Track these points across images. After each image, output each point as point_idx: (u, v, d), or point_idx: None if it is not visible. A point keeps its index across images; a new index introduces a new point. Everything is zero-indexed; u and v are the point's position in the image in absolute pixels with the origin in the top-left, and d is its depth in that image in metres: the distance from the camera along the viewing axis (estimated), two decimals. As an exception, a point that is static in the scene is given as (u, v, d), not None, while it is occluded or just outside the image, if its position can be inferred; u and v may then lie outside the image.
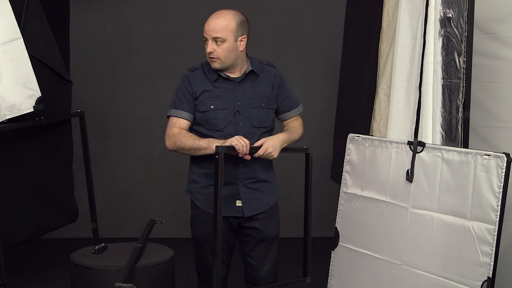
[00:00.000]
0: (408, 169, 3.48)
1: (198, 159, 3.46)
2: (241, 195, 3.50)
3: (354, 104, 4.43)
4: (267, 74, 3.56)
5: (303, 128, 3.66)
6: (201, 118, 3.47)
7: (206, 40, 3.42)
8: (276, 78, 3.56)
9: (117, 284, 3.10)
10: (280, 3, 6.16)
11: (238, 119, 3.46)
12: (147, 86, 6.24)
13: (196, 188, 3.57)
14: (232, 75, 3.49)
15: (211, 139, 3.39)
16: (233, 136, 3.37)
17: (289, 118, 3.64)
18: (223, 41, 3.37)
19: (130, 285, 3.10)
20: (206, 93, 3.48)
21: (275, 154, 3.44)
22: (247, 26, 3.47)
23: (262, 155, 3.39)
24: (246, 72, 3.50)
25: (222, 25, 3.38)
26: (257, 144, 3.42)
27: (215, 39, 3.38)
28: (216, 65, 3.43)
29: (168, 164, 6.17)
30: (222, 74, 3.48)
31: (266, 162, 3.53)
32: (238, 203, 3.50)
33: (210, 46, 3.39)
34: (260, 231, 3.57)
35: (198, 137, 3.44)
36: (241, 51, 3.44)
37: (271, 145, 3.41)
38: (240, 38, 3.42)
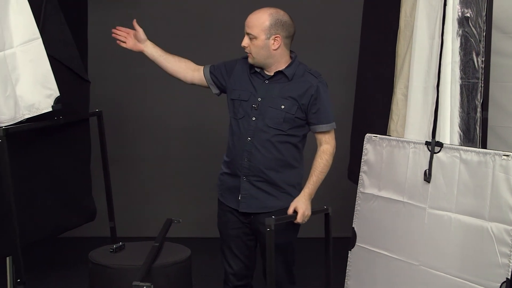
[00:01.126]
0: (425, 170, 3.47)
1: (227, 148, 3.56)
2: (241, 189, 3.52)
3: (371, 104, 4.42)
4: (304, 81, 3.51)
5: (332, 154, 3.57)
6: (230, 103, 3.59)
7: (245, 34, 3.50)
8: (312, 88, 3.50)
9: (135, 283, 3.11)
10: (297, 2, 6.15)
11: (253, 114, 3.49)
12: (164, 86, 6.24)
13: (219, 175, 3.67)
14: (266, 72, 3.55)
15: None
16: (246, 130, 3.49)
17: (317, 132, 3.56)
18: (255, 37, 3.44)
19: (148, 284, 3.11)
20: (238, 82, 3.58)
21: (310, 212, 3.51)
22: (285, 27, 3.47)
23: (302, 222, 3.48)
24: (277, 72, 3.52)
25: (256, 22, 3.44)
26: (289, 211, 3.47)
27: (249, 35, 3.46)
28: (249, 59, 3.51)
29: (185, 163, 6.20)
30: (256, 69, 3.54)
31: (278, 164, 3.51)
32: (239, 197, 3.54)
33: (244, 41, 3.48)
34: (264, 235, 3.46)
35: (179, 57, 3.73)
36: (274, 50, 3.46)
37: (303, 206, 3.46)
38: (273, 37, 3.44)
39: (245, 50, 3.50)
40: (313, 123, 3.54)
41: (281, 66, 3.52)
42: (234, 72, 3.62)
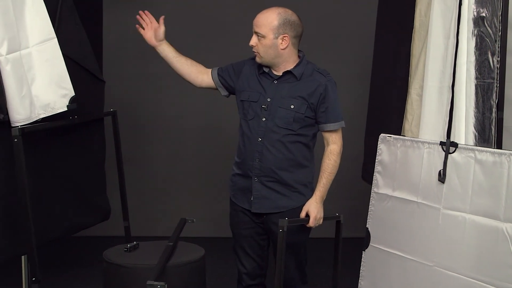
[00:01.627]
0: (440, 170, 3.45)
1: (237, 149, 3.55)
2: (253, 190, 3.53)
3: (385, 104, 4.41)
4: (313, 80, 3.52)
5: (339, 154, 3.58)
6: (239, 105, 3.60)
7: (253, 33, 3.50)
8: (321, 87, 3.50)
9: (149, 282, 3.12)
10: (311, 2, 6.14)
11: (263, 115, 3.50)
12: (178, 85, 6.22)
13: (230, 177, 3.66)
14: (274, 72, 3.55)
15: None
16: (256, 131, 3.50)
17: (325, 131, 3.56)
18: (263, 37, 3.45)
19: (162, 283, 3.12)
20: (247, 84, 3.58)
21: (322, 216, 3.54)
22: (293, 27, 3.48)
23: (314, 226, 3.51)
24: (285, 72, 3.52)
25: (264, 21, 3.44)
26: (301, 215, 3.50)
27: (257, 34, 3.46)
28: (257, 59, 3.52)
29: (199, 163, 6.21)
30: (265, 70, 3.55)
31: (289, 164, 3.51)
32: (252, 197, 3.54)
33: (253, 40, 3.48)
34: (277, 235, 3.50)
35: (186, 57, 3.75)
36: (282, 49, 3.46)
37: (315, 210, 3.49)
38: (281, 36, 3.44)
39: (253, 50, 3.50)
40: (322, 122, 3.54)
41: (290, 66, 3.52)
42: (242, 73, 3.62)
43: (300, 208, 3.53)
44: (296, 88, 3.50)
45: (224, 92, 3.72)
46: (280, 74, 3.53)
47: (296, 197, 3.55)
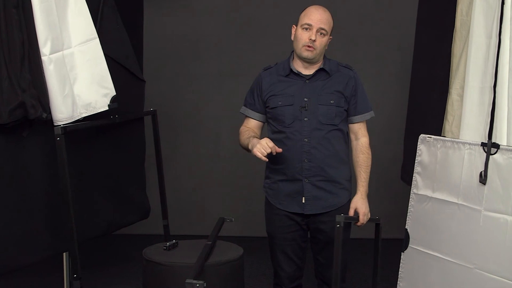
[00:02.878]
0: (481, 171, 3.41)
1: (270, 154, 3.45)
2: (305, 192, 3.52)
3: (425, 104, 4.37)
4: (342, 75, 3.58)
5: (370, 147, 3.63)
6: (271, 114, 3.58)
7: (308, 27, 3.48)
8: (351, 80, 3.58)
9: (188, 280, 3.13)
10: (350, 2, 6.12)
11: (304, 115, 3.50)
12: (216, 85, 6.30)
13: (268, 183, 3.66)
14: (304, 72, 3.54)
15: (251, 141, 3.47)
16: (299, 132, 3.49)
17: (354, 122, 3.61)
18: (326, 34, 3.51)
19: (201, 282, 3.13)
20: (275, 90, 3.57)
21: (369, 212, 3.57)
22: None
23: (365, 222, 3.56)
24: (317, 70, 3.55)
25: (328, 20, 3.52)
26: (350, 213, 3.54)
27: (321, 30, 3.49)
28: (309, 54, 3.50)
29: (237, 162, 6.23)
30: (294, 70, 3.55)
31: (335, 160, 3.54)
32: (303, 199, 3.54)
33: (315, 35, 3.48)
34: (326, 234, 3.57)
35: (250, 137, 3.52)
36: (325, 48, 3.55)
37: (363, 207, 3.54)
38: (330, 36, 3.55)
39: (308, 44, 3.47)
40: (351, 114, 3.59)
41: (320, 64, 3.58)
42: (263, 86, 3.60)
43: (346, 205, 3.58)
44: (330, 84, 3.55)
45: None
46: (312, 72, 3.55)
47: (342, 193, 3.59)
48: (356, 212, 3.55)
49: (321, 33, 3.49)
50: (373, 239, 3.69)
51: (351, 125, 3.62)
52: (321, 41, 3.49)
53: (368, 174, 3.60)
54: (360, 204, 3.55)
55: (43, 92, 3.65)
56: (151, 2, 5.76)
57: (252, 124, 3.66)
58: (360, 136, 3.62)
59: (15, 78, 3.48)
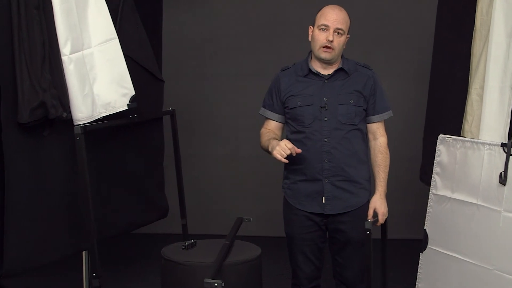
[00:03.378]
0: (501, 172, 3.39)
1: (290, 155, 3.44)
2: (325, 192, 3.52)
3: (444, 104, 4.35)
4: (360, 74, 3.58)
5: (387, 145, 3.62)
6: (290, 114, 3.58)
7: (324, 28, 3.47)
8: (370, 79, 3.58)
9: (206, 280, 3.15)
10: (369, 2, 6.10)
11: (324, 115, 3.50)
12: (235, 85, 6.31)
13: (287, 184, 3.66)
14: (323, 72, 3.54)
15: (271, 143, 3.48)
16: (319, 132, 3.49)
17: (372, 122, 3.60)
18: (343, 34, 3.50)
19: (219, 281, 3.14)
20: (294, 90, 3.57)
21: (387, 211, 3.57)
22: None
23: (383, 221, 3.54)
24: (336, 69, 3.55)
25: (345, 19, 3.51)
26: (369, 213, 3.54)
27: (338, 30, 3.47)
28: (327, 55, 3.50)
29: (256, 162, 6.23)
30: (313, 70, 3.55)
31: (355, 159, 3.54)
32: (323, 200, 3.54)
33: (332, 35, 3.46)
34: (345, 234, 3.58)
35: (270, 138, 3.54)
36: (344, 47, 3.54)
37: (382, 207, 3.55)
38: (347, 35, 3.54)
39: (328, 45, 3.46)
40: (371, 114, 3.59)
41: (338, 63, 3.57)
42: (281, 87, 3.61)
43: (365, 205, 3.58)
44: (349, 83, 3.55)
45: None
46: (331, 72, 3.55)
47: (362, 193, 3.58)
48: (375, 213, 3.54)
49: (338, 33, 3.48)
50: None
51: (369, 125, 3.61)
52: (339, 41, 3.48)
53: (387, 174, 3.59)
54: (379, 204, 3.54)
55: (63, 92, 3.67)
56: (170, 2, 5.78)
57: (272, 126, 3.67)
58: (378, 136, 3.62)
59: (36, 78, 3.51)
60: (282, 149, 3.36)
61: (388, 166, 3.61)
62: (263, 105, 3.70)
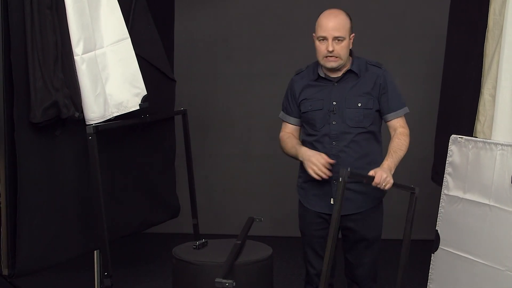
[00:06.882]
0: (513, 173, 3.38)
1: None
2: (333, 193, 3.51)
3: (457, 104, 4.34)
4: (371, 74, 3.54)
5: (409, 137, 3.55)
6: (303, 118, 3.60)
7: (323, 39, 3.44)
8: (379, 78, 3.53)
9: (217, 279, 3.15)
10: (381, 2, 6.09)
11: (332, 119, 3.50)
12: (247, 85, 6.31)
13: (299, 182, 3.68)
14: (332, 75, 3.52)
15: (299, 151, 3.51)
16: (328, 135, 3.48)
17: (389, 120, 3.57)
18: (343, 39, 3.43)
19: (230, 281, 3.14)
20: (306, 94, 3.58)
21: (391, 180, 3.36)
22: (352, 24, 3.52)
23: (379, 183, 3.32)
24: (345, 72, 3.53)
25: (342, 24, 3.43)
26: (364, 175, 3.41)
27: (336, 38, 3.43)
28: (333, 64, 3.47)
29: (267, 162, 6.23)
30: (321, 74, 3.53)
31: (365, 162, 3.51)
32: (332, 200, 3.52)
33: (332, 45, 3.42)
34: (356, 232, 3.58)
35: (295, 144, 3.57)
36: (350, 49, 3.50)
37: (381, 172, 3.34)
38: (351, 36, 3.48)
39: (330, 55, 3.44)
40: (386, 112, 3.56)
41: (348, 65, 3.54)
42: (296, 91, 3.62)
43: (377, 206, 3.58)
44: (359, 86, 3.52)
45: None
46: (340, 75, 3.53)
47: (372, 194, 3.56)
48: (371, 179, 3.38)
49: (338, 40, 3.42)
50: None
51: (388, 123, 3.58)
52: (341, 47, 3.43)
53: (399, 156, 3.46)
54: (379, 170, 3.36)
55: (76, 91, 3.69)
56: (182, 2, 5.79)
57: (290, 129, 3.69)
58: (397, 128, 3.55)
59: (49, 78, 3.52)
60: (319, 168, 3.39)
61: (403, 152, 3.49)
62: (282, 109, 3.73)
